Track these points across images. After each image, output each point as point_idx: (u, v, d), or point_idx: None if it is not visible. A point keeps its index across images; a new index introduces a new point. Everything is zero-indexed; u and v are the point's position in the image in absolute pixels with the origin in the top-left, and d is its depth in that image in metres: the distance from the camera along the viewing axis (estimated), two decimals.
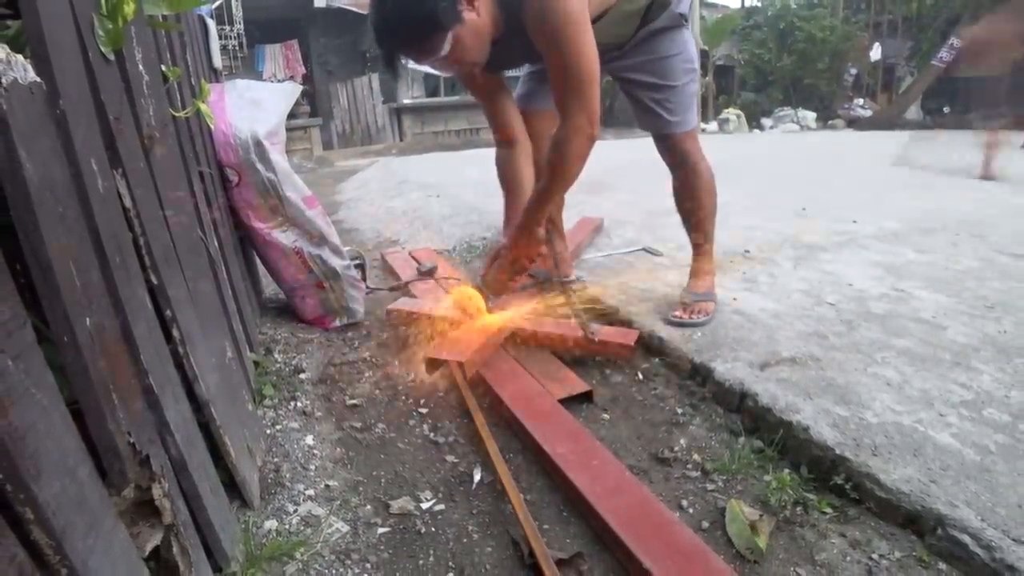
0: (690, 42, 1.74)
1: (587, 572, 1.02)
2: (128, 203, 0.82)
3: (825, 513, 1.14)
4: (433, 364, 1.56)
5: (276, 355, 1.79)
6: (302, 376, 1.69)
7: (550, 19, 1.30)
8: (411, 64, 1.40)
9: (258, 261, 2.08)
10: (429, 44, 1.30)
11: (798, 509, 1.15)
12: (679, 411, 1.51)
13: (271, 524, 1.11)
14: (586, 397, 1.55)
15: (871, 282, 2.16)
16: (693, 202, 1.86)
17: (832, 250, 2.59)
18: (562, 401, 1.48)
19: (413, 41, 1.31)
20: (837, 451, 1.20)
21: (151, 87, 1.02)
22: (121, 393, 0.67)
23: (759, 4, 14.79)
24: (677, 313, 1.82)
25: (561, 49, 1.34)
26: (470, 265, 2.82)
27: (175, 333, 0.92)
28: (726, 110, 12.51)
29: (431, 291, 2.31)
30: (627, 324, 1.87)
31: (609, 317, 1.95)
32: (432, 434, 1.46)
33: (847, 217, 3.20)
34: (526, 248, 1.58)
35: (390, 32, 1.32)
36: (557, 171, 1.46)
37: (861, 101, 13.40)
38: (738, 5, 15.80)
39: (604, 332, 1.74)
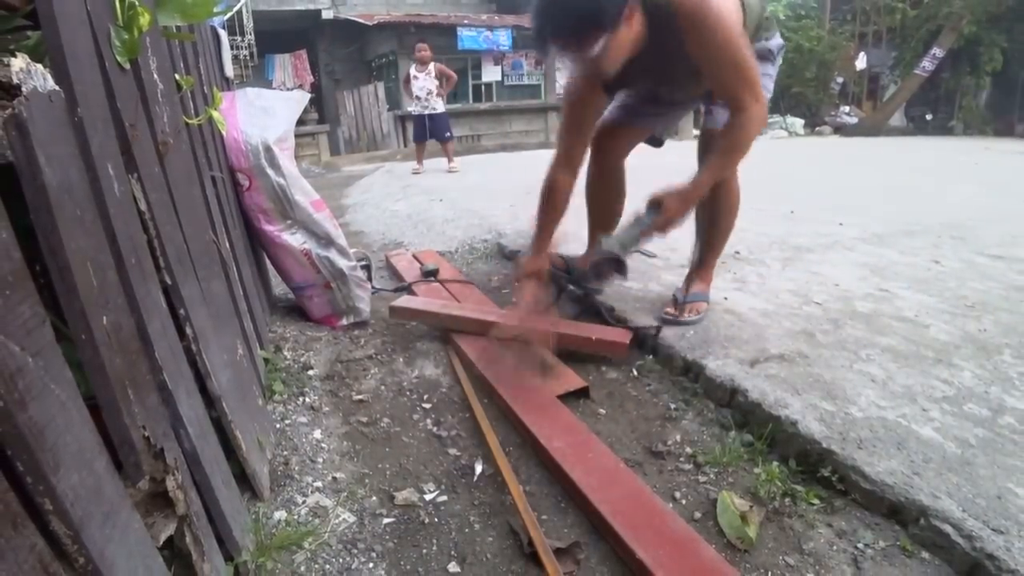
0: (771, 77, 1.77)
1: (584, 561, 1.02)
2: (143, 206, 0.82)
3: (813, 504, 1.14)
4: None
5: (285, 352, 1.79)
6: (310, 372, 1.69)
7: (720, 34, 1.37)
8: (552, 54, 1.39)
9: (268, 262, 2.08)
10: (587, 40, 1.31)
11: (787, 500, 1.15)
12: (672, 406, 1.51)
13: (280, 515, 1.11)
14: (583, 393, 1.55)
15: (856, 282, 2.16)
16: (712, 215, 1.85)
17: (819, 251, 2.59)
18: (560, 397, 1.48)
19: (575, 32, 1.32)
20: (824, 444, 1.20)
21: (165, 95, 1.02)
22: (136, 389, 0.67)
23: None
24: (669, 311, 1.82)
25: (733, 57, 1.41)
26: (472, 266, 2.82)
27: (188, 331, 0.92)
28: None
29: (432, 291, 2.31)
30: (622, 323, 1.87)
31: (603, 317, 1.94)
32: (435, 428, 1.46)
33: (833, 220, 3.20)
34: (684, 213, 1.60)
35: (557, 17, 1.30)
36: (736, 151, 1.54)
37: (847, 108, 13.41)
38: None
39: (600, 331, 1.74)
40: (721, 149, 1.56)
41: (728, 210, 1.84)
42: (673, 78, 1.60)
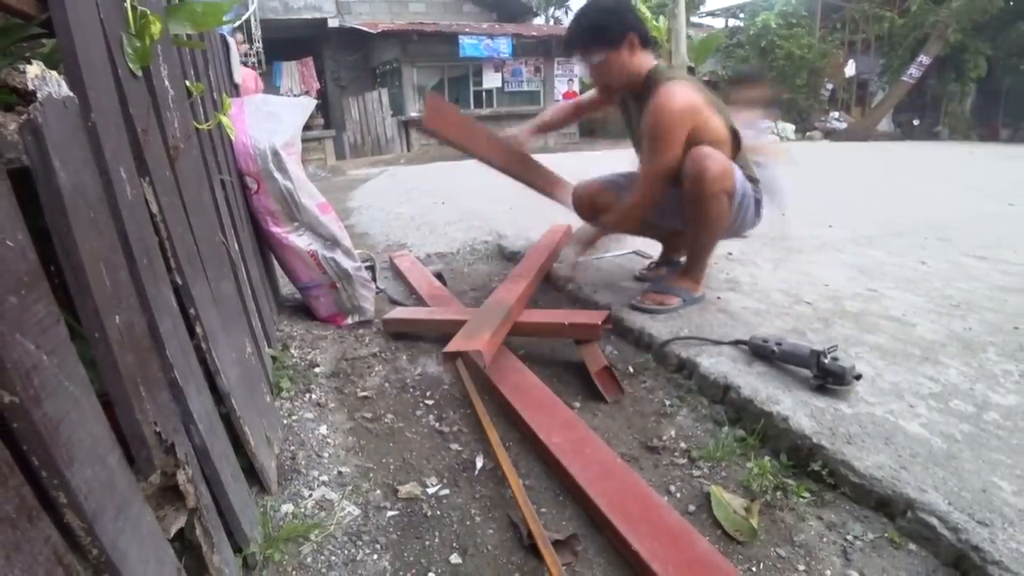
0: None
1: (581, 552, 1.02)
2: (155, 209, 0.82)
3: (803, 497, 1.14)
4: (450, 356, 1.55)
5: (292, 350, 1.79)
6: (316, 370, 1.69)
7: (664, 121, 1.67)
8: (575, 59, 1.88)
9: (275, 263, 2.08)
10: (589, 49, 1.76)
11: (778, 494, 1.15)
12: (667, 403, 1.51)
13: (287, 508, 1.11)
14: (592, 389, 1.55)
15: (846, 282, 2.16)
16: (697, 227, 1.83)
17: (809, 252, 2.59)
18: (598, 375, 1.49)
19: (581, 40, 1.78)
20: (814, 440, 1.20)
21: (176, 101, 1.02)
22: (148, 386, 0.67)
23: (742, 24, 14.80)
24: (638, 298, 1.90)
25: (657, 141, 1.69)
26: (473, 267, 2.82)
27: (198, 330, 0.92)
28: None
29: (440, 299, 2.31)
30: (619, 322, 1.87)
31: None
32: (437, 424, 1.45)
33: (823, 222, 3.20)
34: (610, 229, 2.00)
35: (577, 27, 1.78)
36: (631, 194, 1.86)
37: (837, 114, 13.41)
38: (722, 25, 15.82)
39: (573, 316, 1.73)
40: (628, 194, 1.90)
41: (709, 226, 1.80)
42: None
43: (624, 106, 1.97)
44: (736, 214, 1.82)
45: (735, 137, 1.79)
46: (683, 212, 1.83)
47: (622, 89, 1.86)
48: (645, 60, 1.76)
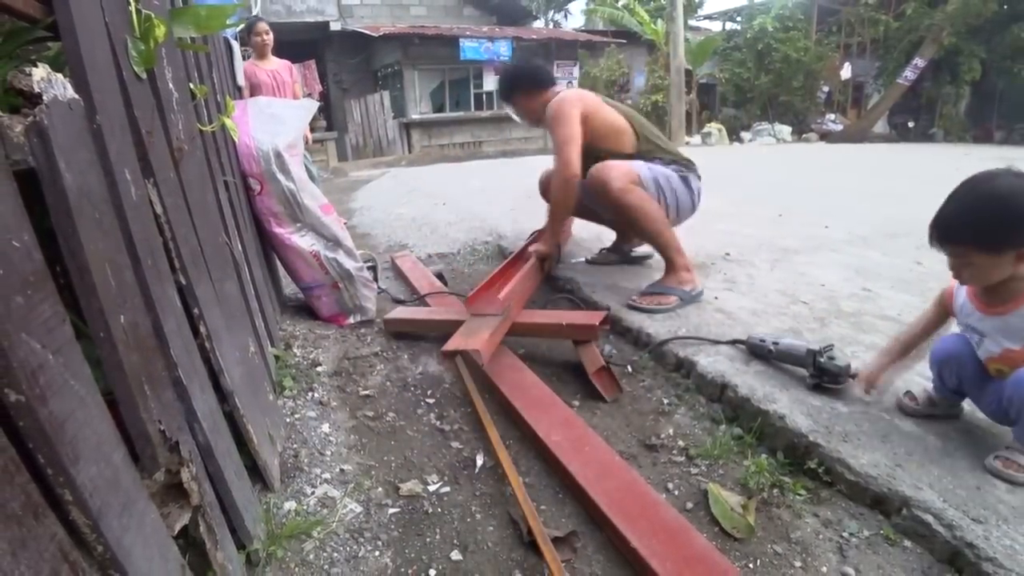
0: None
1: (581, 549, 1.02)
2: (159, 210, 0.82)
3: (800, 495, 1.14)
4: (449, 355, 1.55)
5: (295, 350, 1.79)
6: (319, 369, 1.69)
7: (550, 120, 2.03)
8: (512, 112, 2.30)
9: (278, 263, 2.08)
10: (509, 103, 2.26)
11: (775, 491, 1.15)
12: (665, 401, 1.51)
13: (290, 505, 1.11)
14: (591, 389, 1.55)
15: (842, 283, 2.16)
16: (633, 229, 2.11)
17: (806, 253, 2.59)
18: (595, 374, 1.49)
19: (501, 96, 2.30)
20: (811, 438, 1.20)
21: (180, 103, 1.02)
22: (152, 384, 0.67)
23: (739, 27, 14.81)
24: (635, 298, 1.92)
25: (552, 135, 2.02)
26: (473, 267, 2.82)
27: (202, 329, 0.92)
28: (708, 124, 12.54)
29: (438, 299, 2.30)
30: (617, 322, 1.87)
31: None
32: (438, 422, 1.45)
33: (820, 222, 3.20)
34: (549, 240, 2.20)
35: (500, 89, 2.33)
36: (553, 194, 2.10)
37: (833, 116, 13.41)
38: (719, 28, 15.82)
39: (570, 316, 1.73)
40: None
41: (639, 218, 1.95)
42: None
43: None
44: (660, 195, 1.96)
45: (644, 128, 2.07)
46: (616, 224, 2.18)
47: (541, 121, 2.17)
48: (548, 96, 2.11)
